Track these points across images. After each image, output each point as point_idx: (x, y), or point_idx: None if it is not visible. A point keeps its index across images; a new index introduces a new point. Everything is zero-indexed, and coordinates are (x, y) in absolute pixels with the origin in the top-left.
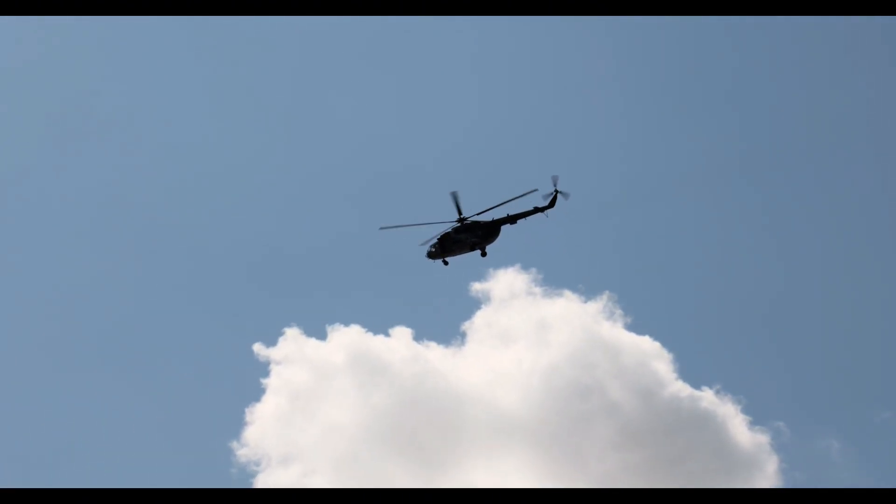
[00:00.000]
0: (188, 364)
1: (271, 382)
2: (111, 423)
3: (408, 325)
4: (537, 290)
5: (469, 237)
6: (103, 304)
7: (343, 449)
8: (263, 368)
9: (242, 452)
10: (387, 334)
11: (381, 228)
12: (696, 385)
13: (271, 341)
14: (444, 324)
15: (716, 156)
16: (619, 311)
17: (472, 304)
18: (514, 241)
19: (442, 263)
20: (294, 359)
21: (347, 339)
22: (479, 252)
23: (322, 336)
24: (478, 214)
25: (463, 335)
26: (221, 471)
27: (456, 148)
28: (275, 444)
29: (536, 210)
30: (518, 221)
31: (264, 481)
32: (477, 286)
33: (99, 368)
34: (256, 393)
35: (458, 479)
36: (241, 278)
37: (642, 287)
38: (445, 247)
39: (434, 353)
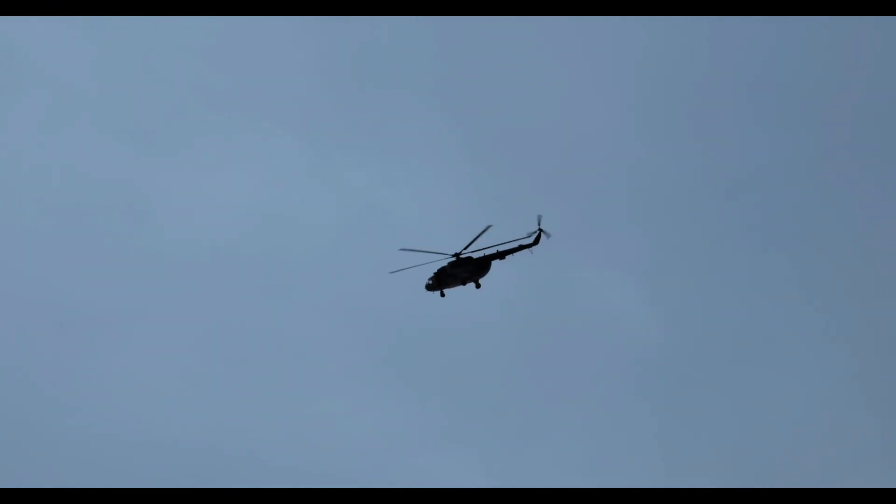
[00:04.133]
0: None
1: None
2: None
3: None
4: None
5: (462, 272)
6: None
7: None
8: None
9: None
10: None
11: (401, 250)
12: None
13: None
14: None
15: None
16: None
17: None
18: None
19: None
20: None
21: None
22: (473, 284)
23: None
24: (472, 250)
25: None
26: None
27: None
28: None
29: (522, 247)
30: (507, 257)
31: None
32: None
33: None
34: None
35: None
36: None
37: None
38: (441, 280)
39: None
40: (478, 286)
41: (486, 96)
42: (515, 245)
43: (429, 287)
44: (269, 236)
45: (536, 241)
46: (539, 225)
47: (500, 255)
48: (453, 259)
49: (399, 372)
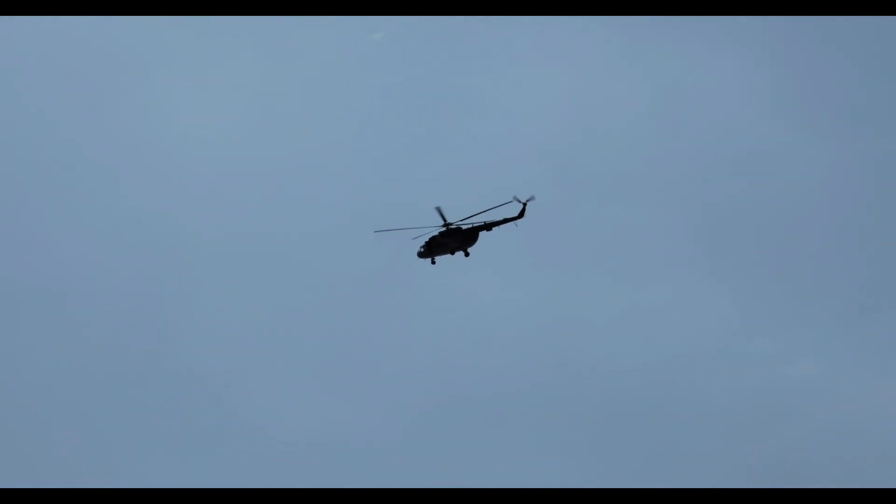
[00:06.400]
0: None
1: None
2: None
3: None
4: None
5: (451, 241)
6: None
7: None
8: None
9: None
10: None
11: (376, 232)
12: None
13: None
14: None
15: None
16: None
17: None
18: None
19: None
20: None
21: None
22: (462, 253)
23: None
24: (461, 221)
25: None
26: None
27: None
28: None
29: (506, 220)
30: (493, 229)
31: None
32: None
33: None
34: None
35: None
36: None
37: None
38: (432, 248)
39: None
40: (466, 255)
41: None
42: (501, 218)
43: (420, 254)
44: (585, 127)
45: (521, 215)
46: (522, 201)
47: (488, 227)
48: (444, 229)
49: (718, 257)
